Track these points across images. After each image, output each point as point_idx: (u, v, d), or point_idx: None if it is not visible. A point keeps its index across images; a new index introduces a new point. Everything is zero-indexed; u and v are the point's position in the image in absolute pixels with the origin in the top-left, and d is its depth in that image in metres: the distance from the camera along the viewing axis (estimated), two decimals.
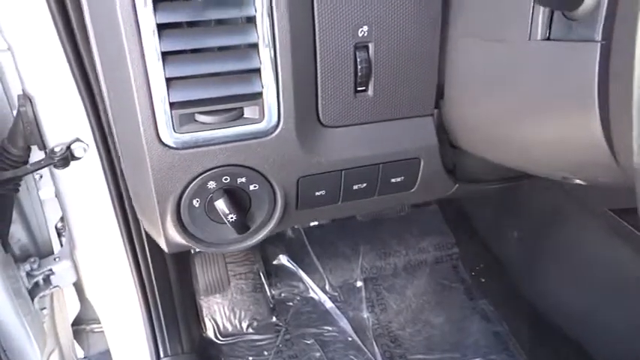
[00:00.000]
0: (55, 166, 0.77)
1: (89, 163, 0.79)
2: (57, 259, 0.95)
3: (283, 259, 1.40)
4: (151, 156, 0.57)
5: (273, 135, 0.60)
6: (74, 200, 0.86)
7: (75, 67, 0.70)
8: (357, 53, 0.60)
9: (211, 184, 0.60)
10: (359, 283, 1.41)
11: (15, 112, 0.76)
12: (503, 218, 1.44)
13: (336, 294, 1.39)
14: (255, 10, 0.54)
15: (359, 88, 0.62)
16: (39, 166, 0.77)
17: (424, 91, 0.65)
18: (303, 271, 1.39)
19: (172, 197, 0.60)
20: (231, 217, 0.61)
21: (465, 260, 1.50)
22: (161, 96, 0.54)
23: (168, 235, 0.64)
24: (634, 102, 0.40)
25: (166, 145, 0.57)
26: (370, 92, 0.63)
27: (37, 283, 0.94)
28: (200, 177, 0.60)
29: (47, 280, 0.96)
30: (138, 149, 0.57)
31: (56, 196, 0.88)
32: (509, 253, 1.43)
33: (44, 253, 0.98)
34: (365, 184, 0.68)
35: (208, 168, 0.59)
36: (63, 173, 0.80)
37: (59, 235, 0.99)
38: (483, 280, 1.46)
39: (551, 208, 1.27)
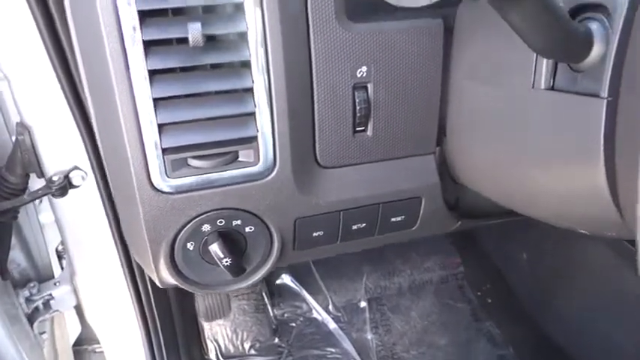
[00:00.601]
0: (54, 195, 0.76)
1: (87, 191, 0.78)
2: (57, 284, 0.94)
3: (286, 279, 1.38)
4: (143, 201, 0.55)
5: (269, 178, 0.58)
6: (73, 227, 0.85)
7: (71, 98, 0.68)
8: (356, 93, 0.58)
9: (206, 227, 0.59)
10: (363, 304, 1.39)
11: (14, 140, 0.76)
12: (511, 238, 1.42)
13: (339, 314, 1.37)
14: (250, 54, 0.53)
15: (358, 129, 0.61)
16: (36, 195, 0.76)
17: (425, 130, 0.64)
18: (307, 290, 1.38)
19: (165, 241, 0.59)
20: (226, 261, 0.59)
21: (471, 280, 1.47)
22: (153, 141, 0.53)
23: (161, 276, 0.62)
24: None
25: (159, 190, 0.55)
26: (369, 132, 0.61)
27: (36, 308, 0.93)
28: (194, 221, 0.58)
29: (47, 304, 0.95)
30: (129, 193, 0.56)
31: (55, 222, 0.87)
32: (516, 273, 1.41)
33: (44, 276, 0.97)
34: (364, 224, 0.66)
35: (202, 212, 0.58)
36: (61, 201, 0.79)
37: (60, 258, 0.98)
38: (490, 300, 1.43)
39: (560, 229, 1.24)
